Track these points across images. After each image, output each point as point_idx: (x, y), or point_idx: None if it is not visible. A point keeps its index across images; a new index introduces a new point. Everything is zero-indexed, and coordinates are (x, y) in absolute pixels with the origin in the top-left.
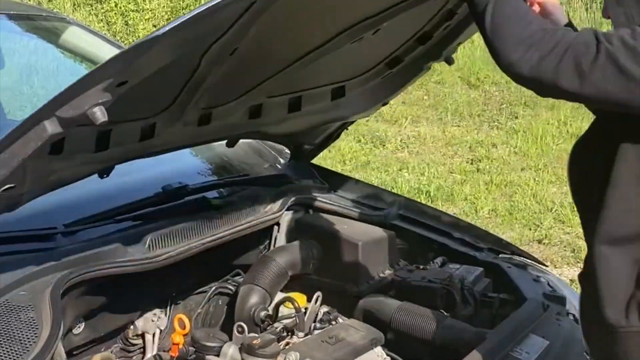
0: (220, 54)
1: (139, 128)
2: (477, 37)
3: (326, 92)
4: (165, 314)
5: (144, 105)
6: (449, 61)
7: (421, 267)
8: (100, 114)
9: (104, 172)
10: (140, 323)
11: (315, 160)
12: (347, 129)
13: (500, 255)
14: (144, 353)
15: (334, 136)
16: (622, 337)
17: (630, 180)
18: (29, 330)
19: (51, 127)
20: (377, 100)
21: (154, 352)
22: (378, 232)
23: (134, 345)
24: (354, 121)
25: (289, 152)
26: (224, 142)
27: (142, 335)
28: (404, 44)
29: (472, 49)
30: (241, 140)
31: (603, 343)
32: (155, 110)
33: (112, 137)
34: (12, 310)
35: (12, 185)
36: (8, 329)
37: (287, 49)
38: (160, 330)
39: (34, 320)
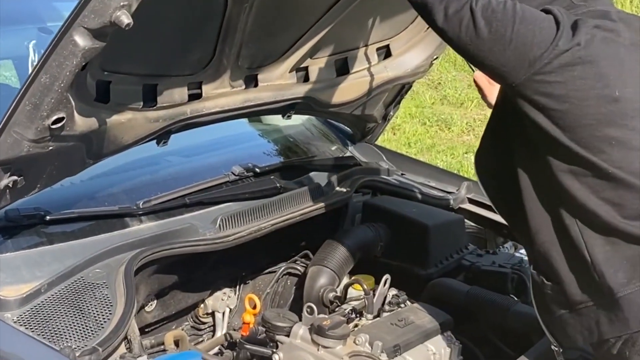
0: None
1: (186, 86)
2: None
3: (371, 53)
4: (235, 294)
5: (185, 59)
6: None
7: (491, 251)
8: (125, 17)
9: (161, 138)
10: (210, 302)
11: (380, 143)
12: (405, 96)
13: None
14: (213, 331)
15: (393, 107)
16: None
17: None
18: (104, 307)
19: (82, 40)
20: (425, 56)
21: (224, 331)
22: (447, 215)
23: (204, 323)
24: (410, 86)
25: (354, 133)
26: (289, 122)
27: (212, 314)
28: None
29: None
30: (308, 123)
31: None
32: (197, 66)
33: (160, 92)
34: (87, 287)
35: (62, 116)
36: (83, 305)
37: None
38: (230, 309)
39: (108, 297)
